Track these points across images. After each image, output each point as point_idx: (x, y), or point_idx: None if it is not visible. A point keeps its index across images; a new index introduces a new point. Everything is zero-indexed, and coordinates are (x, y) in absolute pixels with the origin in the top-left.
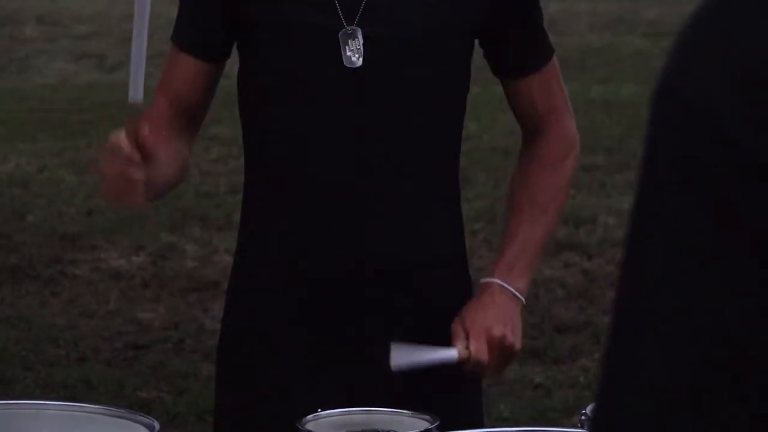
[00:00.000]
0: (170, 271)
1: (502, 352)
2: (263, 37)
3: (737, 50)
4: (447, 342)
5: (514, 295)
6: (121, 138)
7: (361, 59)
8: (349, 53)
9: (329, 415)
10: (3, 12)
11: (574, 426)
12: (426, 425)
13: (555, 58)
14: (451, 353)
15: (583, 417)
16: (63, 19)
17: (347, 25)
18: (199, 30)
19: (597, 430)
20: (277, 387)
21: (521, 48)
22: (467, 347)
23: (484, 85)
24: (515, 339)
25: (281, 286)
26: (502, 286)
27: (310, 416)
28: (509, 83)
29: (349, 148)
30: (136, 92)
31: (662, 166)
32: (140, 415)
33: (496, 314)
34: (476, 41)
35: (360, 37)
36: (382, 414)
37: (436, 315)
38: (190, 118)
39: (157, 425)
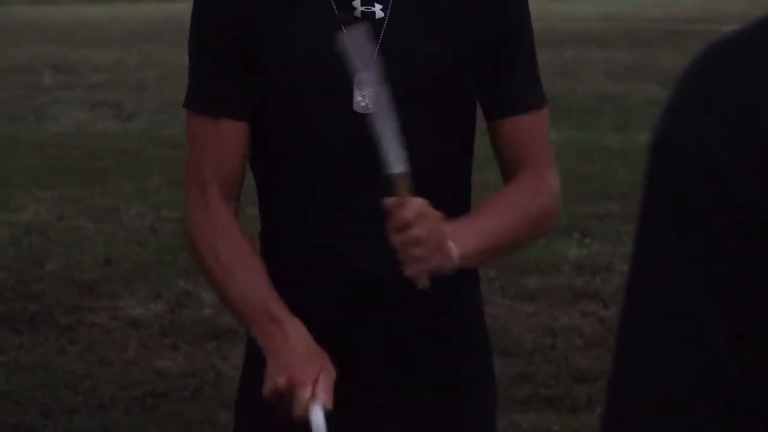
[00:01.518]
0: (188, 318)
1: (402, 233)
2: (276, 87)
3: (730, 101)
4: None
5: (453, 250)
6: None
7: (372, 104)
8: (359, 98)
9: None
10: (20, 60)
11: None
12: None
13: (546, 111)
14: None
15: None
16: (79, 68)
17: (362, 71)
18: (230, 89)
19: None
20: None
21: (513, 87)
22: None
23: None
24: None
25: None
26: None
27: None
28: (496, 122)
29: (360, 191)
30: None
31: (660, 211)
32: None
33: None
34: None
35: (372, 83)
36: None
37: (447, 350)
38: (237, 195)
39: None
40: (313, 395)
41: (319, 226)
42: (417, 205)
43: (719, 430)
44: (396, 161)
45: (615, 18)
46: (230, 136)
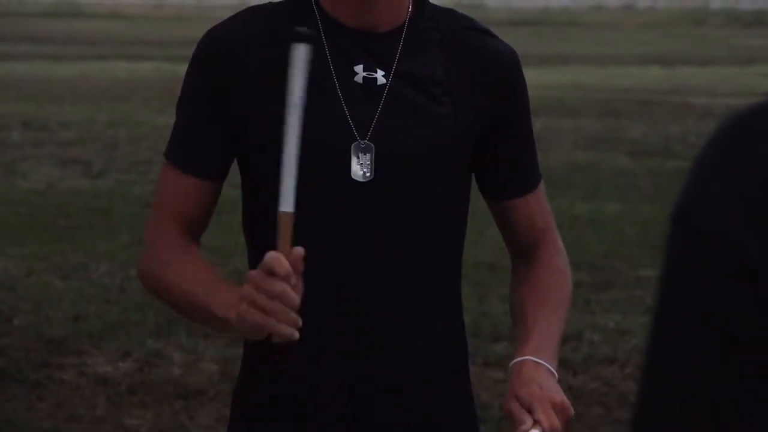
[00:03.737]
0: (157, 377)
1: (564, 414)
2: (269, 152)
3: (747, 176)
4: None
5: (548, 368)
6: (279, 257)
7: (369, 173)
8: (356, 167)
9: None
10: None
11: None
12: None
13: (542, 183)
14: None
15: None
16: (49, 125)
17: (360, 139)
18: (200, 150)
19: None
20: None
21: (519, 166)
22: (535, 420)
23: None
24: (568, 401)
25: (285, 396)
26: (536, 362)
27: None
28: (505, 204)
29: (355, 260)
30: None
31: (676, 287)
32: None
33: (546, 383)
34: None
35: (372, 151)
36: None
37: (437, 427)
38: (195, 237)
39: None
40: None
41: (309, 295)
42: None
43: None
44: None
45: (585, 87)
46: (192, 192)
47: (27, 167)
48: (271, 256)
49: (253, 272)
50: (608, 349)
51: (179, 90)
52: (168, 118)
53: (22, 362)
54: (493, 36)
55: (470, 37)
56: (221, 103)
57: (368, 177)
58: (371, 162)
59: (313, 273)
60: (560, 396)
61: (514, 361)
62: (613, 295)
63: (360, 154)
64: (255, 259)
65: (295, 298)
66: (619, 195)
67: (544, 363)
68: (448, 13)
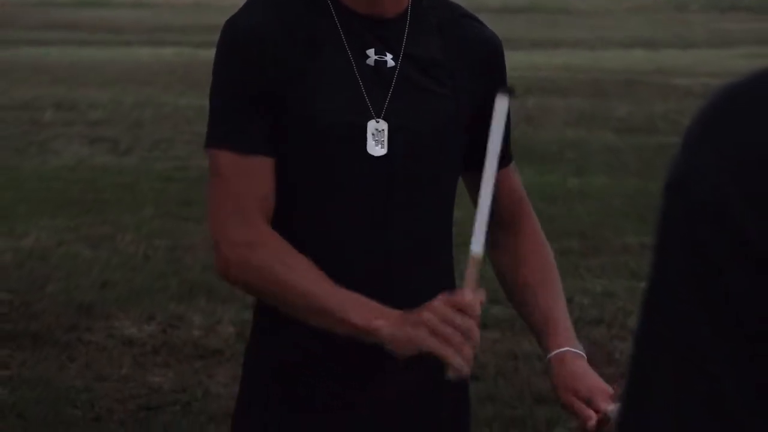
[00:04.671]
0: (178, 339)
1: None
2: (292, 129)
3: (739, 146)
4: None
5: (583, 354)
6: (475, 300)
7: (384, 148)
8: (372, 142)
9: None
10: (24, 99)
11: None
12: None
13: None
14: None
15: None
16: (79, 106)
17: (375, 116)
18: (258, 128)
19: None
20: None
21: (504, 141)
22: (600, 410)
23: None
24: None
25: (298, 351)
26: (575, 352)
27: None
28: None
29: (373, 227)
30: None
31: (671, 254)
32: None
33: (593, 374)
34: None
35: (386, 128)
36: None
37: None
38: (270, 218)
39: None
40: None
41: (330, 265)
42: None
43: None
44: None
45: (574, 69)
46: (264, 170)
47: (58, 145)
48: (466, 295)
49: (437, 303)
50: (596, 311)
51: (199, 73)
52: (189, 100)
53: (54, 326)
54: (482, 23)
55: (463, 24)
56: (254, 87)
57: (383, 152)
58: (386, 138)
59: (335, 239)
60: (604, 384)
61: (555, 352)
62: (600, 261)
63: (376, 131)
64: (282, 231)
65: (478, 339)
66: (607, 169)
67: (580, 351)
68: (441, 1)
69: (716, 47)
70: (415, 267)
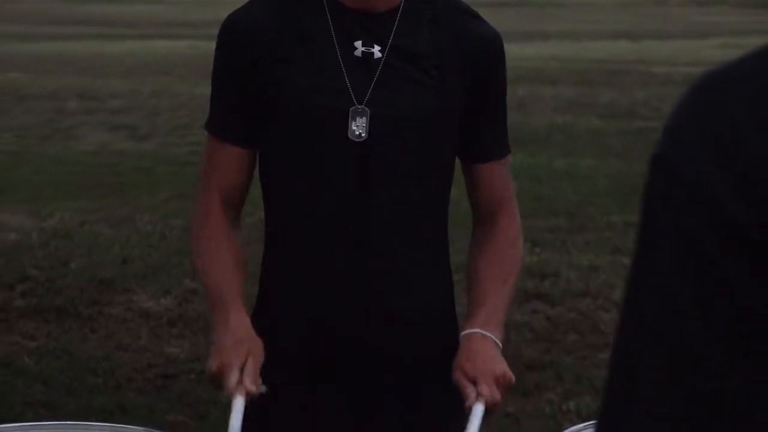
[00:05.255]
0: (193, 312)
1: (505, 385)
2: (282, 116)
3: (721, 127)
4: (438, 380)
5: (494, 340)
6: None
7: (365, 133)
8: (354, 128)
9: None
10: (49, 89)
11: None
12: None
13: (510, 156)
14: (479, 409)
15: None
16: (100, 96)
17: (357, 104)
18: (237, 119)
19: None
20: (288, 420)
21: (489, 136)
22: (479, 393)
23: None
24: (510, 372)
25: (295, 335)
26: (483, 334)
27: None
28: (472, 167)
29: (355, 210)
30: None
31: (655, 228)
32: None
33: (491, 357)
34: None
35: (367, 115)
36: None
37: (428, 358)
38: (237, 204)
39: None
40: (240, 381)
41: (314, 239)
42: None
43: None
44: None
45: (562, 59)
46: (233, 158)
47: (81, 132)
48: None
49: (213, 367)
50: (582, 284)
51: (212, 64)
52: (203, 89)
53: (77, 300)
54: (481, 19)
55: (460, 19)
56: (245, 78)
57: (363, 137)
58: (366, 124)
59: (317, 220)
60: (502, 368)
61: (464, 332)
62: (586, 237)
63: (357, 117)
64: (270, 209)
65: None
66: (592, 152)
67: (490, 335)
68: None
69: (694, 38)
70: (396, 250)
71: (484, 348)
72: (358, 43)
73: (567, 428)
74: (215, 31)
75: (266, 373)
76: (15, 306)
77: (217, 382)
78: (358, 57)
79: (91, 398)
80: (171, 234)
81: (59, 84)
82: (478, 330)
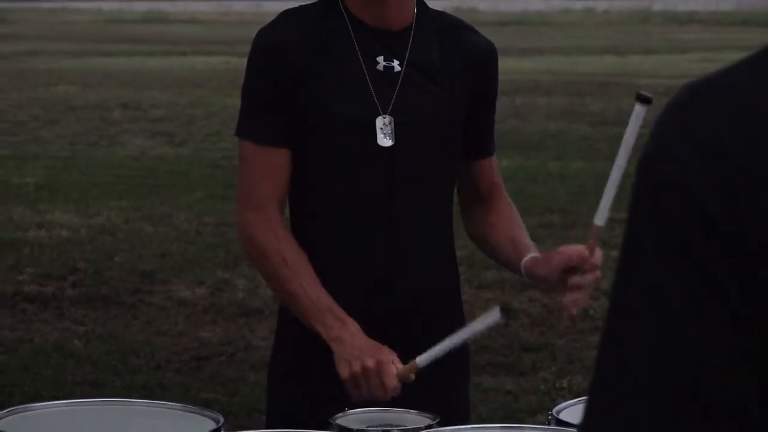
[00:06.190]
0: (225, 300)
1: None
2: (311, 125)
3: (701, 132)
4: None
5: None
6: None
7: (391, 140)
8: (381, 135)
9: (354, 413)
10: (95, 100)
11: (540, 423)
12: (428, 422)
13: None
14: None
15: (549, 417)
16: (142, 106)
17: (383, 113)
18: (272, 123)
19: None
20: (316, 388)
21: (487, 135)
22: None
23: None
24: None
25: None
26: (535, 255)
27: (340, 413)
28: (474, 162)
29: (380, 207)
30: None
31: (642, 226)
32: (208, 411)
33: (556, 252)
34: None
35: (392, 123)
36: (394, 413)
37: (436, 328)
38: (285, 204)
39: (221, 419)
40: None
41: (341, 240)
42: (599, 256)
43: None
44: (600, 215)
45: (555, 72)
46: (279, 162)
47: (125, 139)
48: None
49: (380, 362)
50: None
51: (242, 78)
52: (234, 100)
53: (121, 290)
54: (477, 32)
55: (460, 33)
56: (278, 89)
57: (390, 143)
58: (392, 131)
59: (348, 216)
60: (576, 250)
61: (525, 259)
62: (577, 232)
63: (384, 126)
64: (299, 211)
65: (391, 390)
66: (582, 155)
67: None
68: (441, 14)
69: (674, 54)
70: (418, 241)
71: (546, 253)
72: (380, 59)
73: (560, 404)
74: (245, 48)
75: (303, 340)
76: (66, 295)
77: (362, 380)
78: (380, 71)
79: (133, 378)
80: (205, 230)
81: (105, 96)
82: (531, 255)
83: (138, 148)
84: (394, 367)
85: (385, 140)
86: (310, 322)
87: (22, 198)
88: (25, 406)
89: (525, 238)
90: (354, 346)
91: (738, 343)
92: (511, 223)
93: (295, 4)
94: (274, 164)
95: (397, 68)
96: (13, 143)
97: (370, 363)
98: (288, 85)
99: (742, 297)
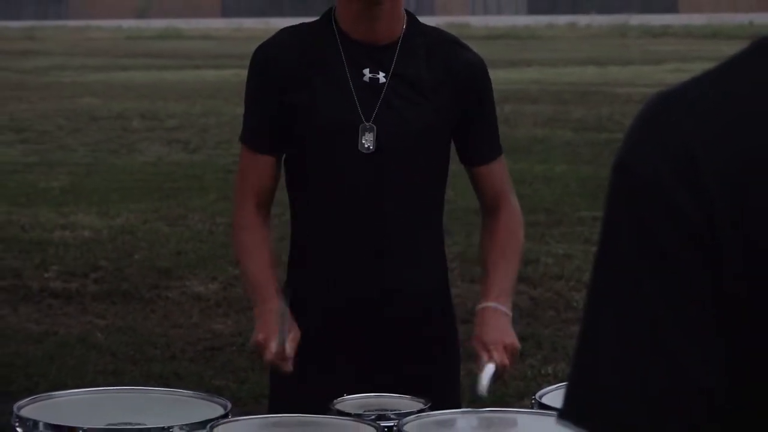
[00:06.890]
0: (236, 294)
1: (512, 353)
2: (300, 131)
3: (671, 137)
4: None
5: (505, 312)
6: (270, 345)
7: (373, 147)
8: (363, 141)
9: (351, 399)
10: (116, 110)
11: (525, 407)
12: (420, 406)
13: (503, 156)
14: (490, 367)
15: (533, 401)
16: (159, 116)
17: (366, 121)
18: (266, 133)
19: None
20: (314, 377)
21: (486, 142)
22: (491, 359)
23: (458, 164)
24: (516, 341)
25: (319, 311)
26: (495, 308)
27: (338, 399)
28: (476, 169)
29: (363, 212)
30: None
31: (616, 223)
32: (217, 397)
33: (502, 329)
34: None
35: (375, 130)
36: (389, 398)
37: (427, 327)
38: (268, 204)
39: (229, 405)
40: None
41: (334, 233)
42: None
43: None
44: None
45: (541, 82)
46: (267, 169)
47: (143, 146)
48: (259, 338)
49: (259, 337)
50: (557, 269)
51: None
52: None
53: (140, 285)
54: (467, 47)
55: (450, 49)
56: (272, 99)
57: (371, 150)
58: (374, 138)
59: (333, 221)
60: (510, 339)
61: (479, 306)
62: (561, 230)
63: (366, 133)
64: (296, 211)
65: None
66: (566, 159)
67: (502, 307)
68: (433, 30)
69: (650, 64)
70: (405, 244)
71: (495, 320)
72: (366, 71)
73: (545, 388)
74: None
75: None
76: (89, 291)
77: (260, 350)
78: (366, 82)
79: (150, 367)
80: (217, 230)
81: (125, 107)
82: (490, 304)
83: (155, 155)
84: (273, 344)
85: (366, 146)
86: (248, 296)
87: (48, 201)
88: (49, 393)
89: (499, 270)
90: (258, 321)
91: (712, 333)
92: (498, 245)
93: (300, 22)
94: (260, 168)
95: (382, 80)
96: (40, 151)
97: (260, 336)
98: (280, 95)
99: (715, 288)
